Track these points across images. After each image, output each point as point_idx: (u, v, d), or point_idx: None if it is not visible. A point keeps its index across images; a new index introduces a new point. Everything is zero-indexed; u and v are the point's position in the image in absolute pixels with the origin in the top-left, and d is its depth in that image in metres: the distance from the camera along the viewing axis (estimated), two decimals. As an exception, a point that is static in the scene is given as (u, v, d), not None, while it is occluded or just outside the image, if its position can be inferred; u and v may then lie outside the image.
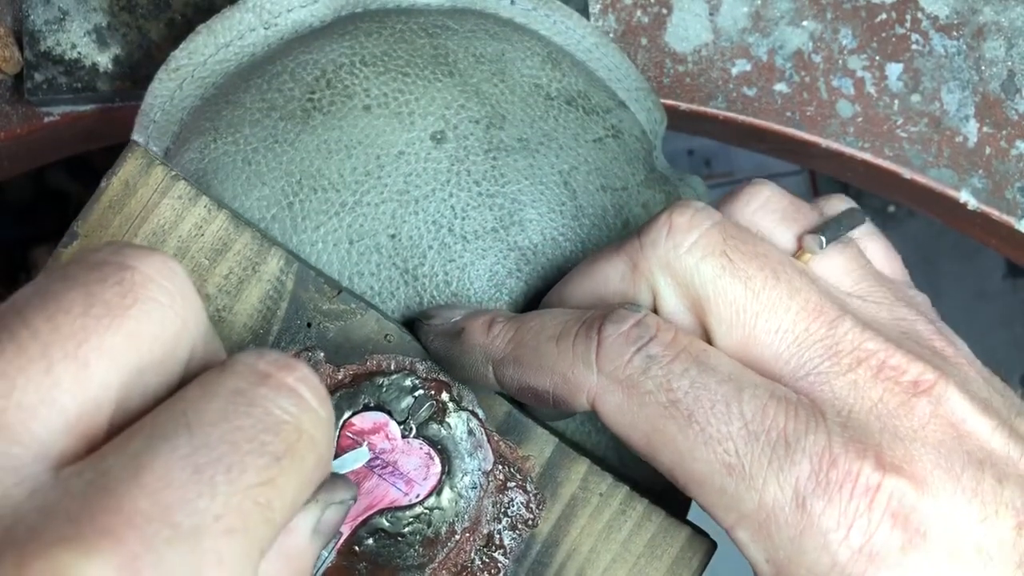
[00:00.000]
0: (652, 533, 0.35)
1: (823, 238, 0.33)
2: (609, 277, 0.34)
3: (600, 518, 0.35)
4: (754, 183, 0.35)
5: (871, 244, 0.35)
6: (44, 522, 0.20)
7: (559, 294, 0.36)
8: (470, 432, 0.35)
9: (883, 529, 0.28)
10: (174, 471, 0.21)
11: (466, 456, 0.35)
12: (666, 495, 0.39)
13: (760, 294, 0.31)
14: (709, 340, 0.32)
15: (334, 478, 0.29)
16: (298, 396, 0.24)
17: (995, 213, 0.54)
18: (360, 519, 0.34)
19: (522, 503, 0.35)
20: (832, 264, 0.33)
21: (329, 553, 0.34)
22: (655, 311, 0.33)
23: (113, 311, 0.23)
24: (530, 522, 0.35)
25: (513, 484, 0.35)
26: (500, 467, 0.35)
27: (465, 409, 0.35)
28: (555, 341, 0.31)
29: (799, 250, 0.33)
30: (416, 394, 0.35)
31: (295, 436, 0.24)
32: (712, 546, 0.35)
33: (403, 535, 0.34)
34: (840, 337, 0.31)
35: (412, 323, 0.37)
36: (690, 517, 0.38)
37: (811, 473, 0.28)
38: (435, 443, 0.35)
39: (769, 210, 0.34)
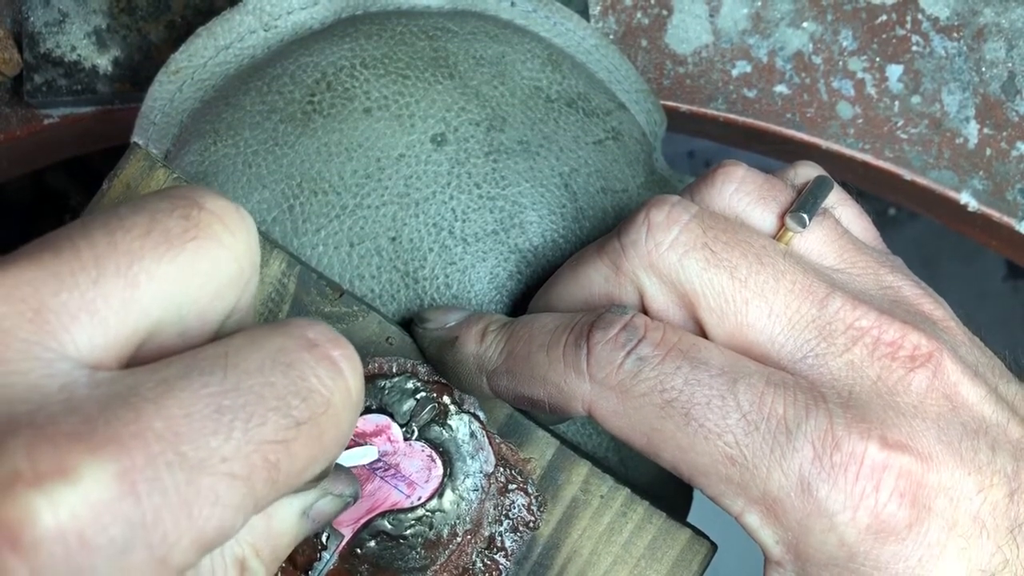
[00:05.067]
0: (653, 535, 0.35)
1: (805, 216, 0.32)
2: (593, 280, 0.33)
3: (601, 520, 0.35)
4: (726, 165, 0.34)
5: (844, 211, 0.35)
6: (63, 415, 0.21)
7: (545, 299, 0.36)
8: (472, 434, 0.35)
9: (890, 508, 0.28)
10: (197, 404, 0.22)
11: (468, 458, 0.35)
12: (667, 497, 0.39)
13: (747, 281, 0.31)
14: (702, 332, 0.32)
15: (340, 471, 0.29)
16: (337, 371, 0.24)
17: (995, 214, 0.54)
18: (362, 521, 0.34)
19: (523, 505, 0.35)
20: (814, 239, 0.33)
21: (331, 556, 0.34)
22: (644, 309, 0.33)
23: (172, 239, 0.23)
24: (531, 524, 0.35)
25: (514, 486, 0.35)
26: (501, 469, 0.35)
27: (467, 411, 0.35)
28: (546, 351, 0.31)
29: (780, 229, 0.33)
30: (418, 396, 0.35)
31: (322, 408, 0.24)
32: (712, 548, 0.35)
33: (405, 537, 0.34)
34: (832, 316, 0.31)
35: (409, 324, 0.37)
36: (691, 519, 0.38)
37: (814, 457, 0.29)
38: (437, 445, 0.35)
39: (745, 192, 0.34)
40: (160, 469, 0.21)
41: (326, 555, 0.34)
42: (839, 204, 0.35)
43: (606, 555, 0.35)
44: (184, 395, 0.22)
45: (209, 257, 0.24)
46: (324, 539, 0.34)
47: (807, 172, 0.35)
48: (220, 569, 0.25)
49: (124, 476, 0.20)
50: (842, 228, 0.34)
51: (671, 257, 0.31)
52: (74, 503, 0.20)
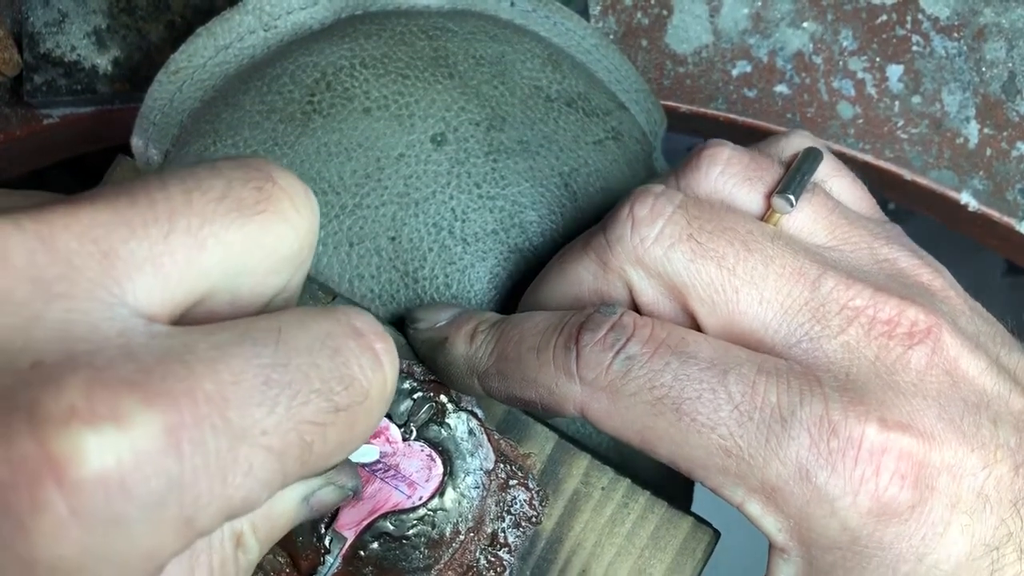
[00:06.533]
0: (655, 525, 0.35)
1: (791, 196, 0.32)
2: (582, 277, 0.33)
3: (603, 512, 0.35)
4: (710, 146, 0.34)
5: (836, 182, 0.35)
6: (121, 361, 0.21)
7: (535, 297, 0.35)
8: (470, 432, 0.35)
9: (891, 491, 0.28)
10: (247, 373, 0.22)
11: (467, 456, 0.35)
12: (667, 486, 0.39)
13: (735, 269, 0.31)
14: (695, 323, 0.31)
15: (344, 463, 0.29)
16: (379, 363, 0.25)
17: (995, 214, 0.54)
18: (364, 523, 0.34)
19: (525, 501, 0.35)
20: (803, 217, 0.32)
21: (335, 559, 0.34)
22: (634, 303, 0.32)
23: (243, 208, 0.24)
24: (533, 519, 0.35)
25: (515, 482, 0.35)
26: (501, 466, 0.35)
27: (464, 409, 0.35)
28: (535, 353, 0.31)
29: (769, 209, 0.32)
30: (415, 396, 0.35)
31: (360, 397, 0.24)
32: (715, 535, 0.35)
33: (408, 538, 0.34)
34: (825, 297, 0.30)
35: (401, 322, 0.37)
36: (694, 507, 0.37)
37: (811, 444, 0.28)
38: (436, 445, 0.35)
39: (730, 173, 0.33)
40: (205, 431, 0.21)
41: (329, 559, 0.34)
42: (832, 175, 0.34)
43: (609, 547, 0.35)
44: (236, 362, 0.22)
45: (274, 232, 0.24)
46: (327, 543, 0.34)
47: (797, 143, 0.35)
48: (217, 540, 0.25)
49: (172, 432, 0.20)
50: (833, 202, 0.33)
51: (657, 251, 0.31)
52: (122, 449, 0.20)
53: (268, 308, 0.25)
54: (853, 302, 0.30)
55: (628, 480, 0.35)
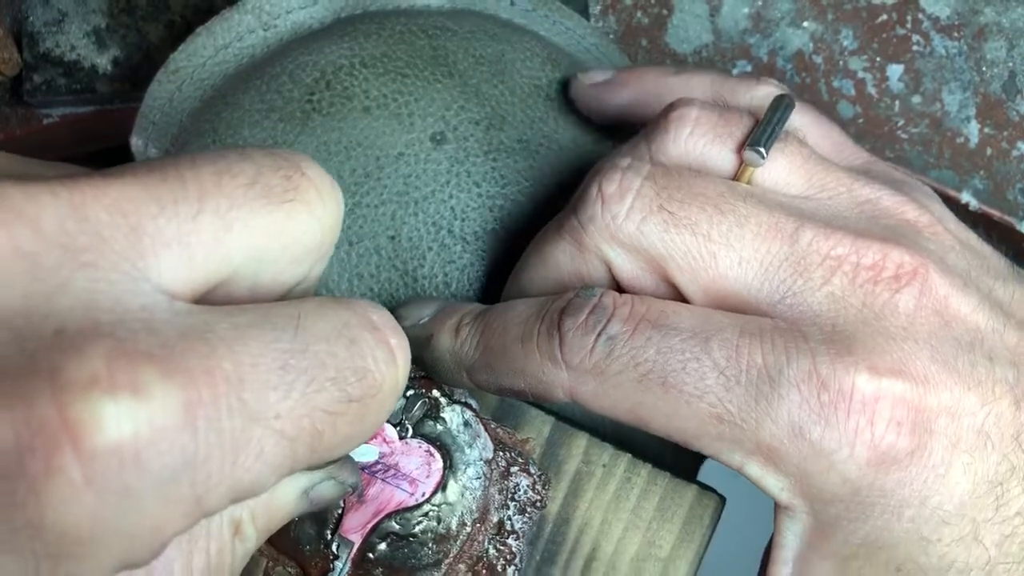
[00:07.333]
0: (660, 497, 0.35)
1: (762, 149, 0.31)
2: (560, 261, 0.33)
3: (607, 489, 0.35)
4: (678, 107, 0.33)
5: (805, 125, 0.34)
6: (144, 335, 0.21)
7: (516, 285, 0.35)
8: (466, 424, 0.35)
9: (888, 439, 0.28)
10: (266, 356, 0.22)
11: (465, 448, 0.35)
12: (669, 456, 0.39)
13: (710, 234, 0.30)
14: (677, 293, 0.31)
15: (345, 459, 0.29)
16: (392, 358, 0.25)
17: (996, 214, 0.54)
18: (370, 525, 0.34)
19: (528, 486, 0.35)
20: (778, 168, 0.32)
21: (344, 564, 0.34)
22: (615, 281, 0.32)
23: (271, 196, 0.24)
24: (538, 503, 0.35)
25: (516, 468, 0.35)
26: (501, 454, 0.35)
27: (458, 402, 0.35)
28: (520, 343, 0.31)
29: (741, 165, 0.32)
30: (407, 394, 0.35)
31: (373, 390, 0.24)
32: (721, 501, 0.35)
33: (415, 535, 0.34)
34: (805, 249, 0.30)
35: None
36: (702, 472, 0.37)
37: (801, 401, 0.28)
38: (433, 440, 0.34)
39: (700, 133, 0.33)
40: (221, 409, 0.21)
41: (338, 564, 0.33)
42: (802, 121, 0.34)
43: (617, 523, 0.35)
44: (255, 344, 0.22)
45: (299, 222, 0.24)
46: (335, 548, 0.34)
47: (764, 90, 0.34)
48: (216, 526, 0.25)
49: (189, 408, 0.20)
50: (808, 150, 0.33)
51: (630, 227, 0.31)
52: (140, 421, 0.20)
53: (286, 298, 0.25)
54: (834, 251, 0.30)
55: (628, 455, 0.35)
